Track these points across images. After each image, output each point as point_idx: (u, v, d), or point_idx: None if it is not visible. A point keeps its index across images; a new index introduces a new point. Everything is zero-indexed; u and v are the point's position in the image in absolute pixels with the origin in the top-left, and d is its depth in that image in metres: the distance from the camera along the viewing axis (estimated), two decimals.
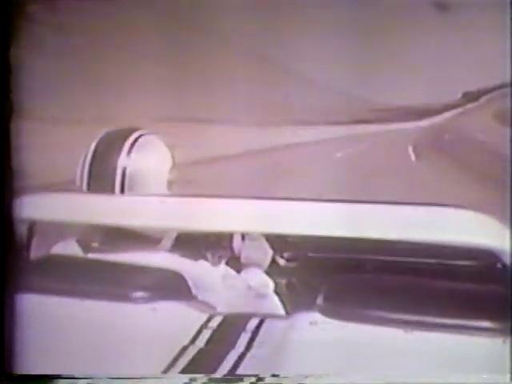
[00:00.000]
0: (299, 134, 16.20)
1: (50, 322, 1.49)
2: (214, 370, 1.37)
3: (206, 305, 1.59)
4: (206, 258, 1.80)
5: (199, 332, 1.45)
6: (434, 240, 1.52)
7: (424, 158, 13.31)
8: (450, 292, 1.55)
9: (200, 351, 1.41)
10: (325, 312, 1.45)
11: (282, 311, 1.74)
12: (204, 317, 1.50)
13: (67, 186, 1.81)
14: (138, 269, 1.65)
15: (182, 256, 1.76)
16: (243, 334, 1.45)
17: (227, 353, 1.40)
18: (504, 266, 1.43)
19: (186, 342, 1.42)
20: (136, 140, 1.77)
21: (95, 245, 1.76)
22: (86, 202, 1.73)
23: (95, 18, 10.17)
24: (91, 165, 1.75)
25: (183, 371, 1.38)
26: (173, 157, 1.83)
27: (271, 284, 1.80)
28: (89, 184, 1.75)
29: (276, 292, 1.79)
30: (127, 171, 1.75)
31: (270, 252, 1.96)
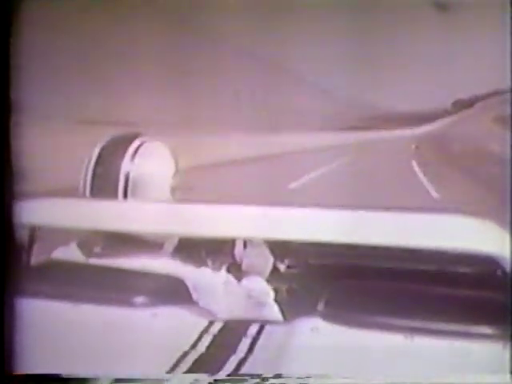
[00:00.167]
0: (301, 139, 16.22)
1: (50, 326, 1.49)
2: (215, 374, 1.37)
3: (206, 310, 1.59)
4: (206, 264, 1.80)
5: (200, 337, 1.46)
6: (435, 246, 1.52)
7: (425, 165, 13.31)
8: (450, 298, 1.55)
9: (201, 356, 1.41)
10: (326, 318, 1.46)
11: (281, 320, 1.74)
12: (205, 322, 1.50)
13: (69, 191, 1.81)
14: (139, 274, 1.65)
15: (184, 262, 1.76)
16: (244, 339, 1.45)
17: (228, 358, 1.40)
18: (504, 272, 1.43)
19: (186, 347, 1.43)
20: (140, 145, 1.77)
21: (97, 250, 1.76)
22: (86, 207, 1.73)
23: (95, 18, 10.19)
24: (94, 169, 1.75)
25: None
26: (176, 163, 1.83)
27: (271, 292, 1.80)
28: (92, 189, 1.75)
29: (276, 300, 1.79)
30: (130, 176, 1.75)
31: (271, 259, 1.96)
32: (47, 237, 1.77)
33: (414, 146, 15.58)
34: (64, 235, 1.77)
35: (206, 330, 1.48)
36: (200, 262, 1.78)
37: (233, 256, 1.87)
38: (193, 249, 1.80)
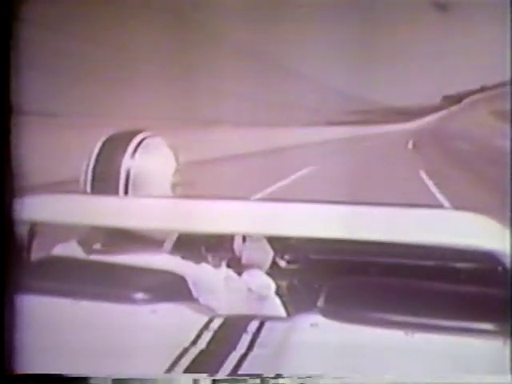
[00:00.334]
0: (301, 134, 16.22)
1: (50, 322, 1.49)
2: (216, 372, 1.37)
3: (206, 307, 1.59)
4: (206, 260, 1.80)
5: (200, 333, 1.45)
6: (435, 242, 1.52)
7: (423, 159, 13.31)
8: (451, 294, 1.55)
9: (201, 352, 1.41)
10: (326, 314, 1.46)
11: (283, 313, 1.74)
12: (205, 318, 1.50)
13: (69, 187, 1.81)
14: (139, 270, 1.65)
15: (183, 258, 1.76)
16: (244, 336, 1.45)
17: (228, 354, 1.40)
18: (504, 268, 1.43)
19: (187, 344, 1.43)
20: (140, 142, 1.77)
21: (97, 246, 1.76)
22: (87, 203, 1.73)
23: (95, 17, 10.18)
24: (95, 166, 1.75)
25: (185, 372, 1.38)
26: (177, 159, 1.83)
27: (272, 285, 1.80)
28: (92, 185, 1.75)
29: (277, 294, 1.79)
30: (131, 173, 1.75)
31: (271, 253, 1.96)
32: (47, 233, 1.77)
33: (411, 143, 15.59)
34: (64, 231, 1.77)
35: (206, 327, 1.48)
36: (200, 258, 1.79)
37: (232, 251, 1.87)
38: (192, 245, 1.81)
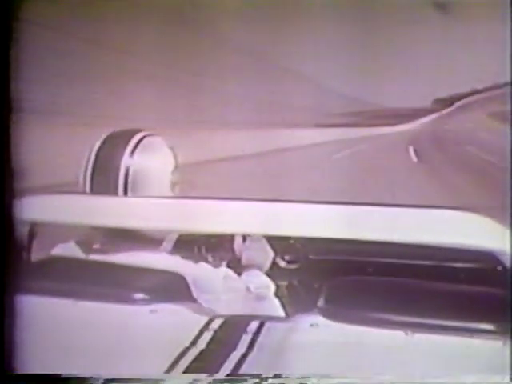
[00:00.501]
0: (298, 136, 16.22)
1: (50, 323, 1.49)
2: (216, 372, 1.37)
3: (206, 307, 1.59)
4: (206, 260, 1.80)
5: (200, 334, 1.45)
6: (435, 242, 1.52)
7: (423, 160, 13.32)
8: (451, 294, 1.55)
9: (201, 352, 1.41)
10: (326, 314, 1.46)
11: (282, 313, 1.74)
12: (205, 319, 1.50)
13: (68, 187, 1.81)
14: (138, 270, 1.65)
15: (183, 258, 1.76)
16: (244, 336, 1.45)
17: (228, 354, 1.40)
18: (504, 268, 1.43)
19: (187, 344, 1.42)
20: (139, 141, 1.77)
21: (96, 246, 1.76)
22: (86, 203, 1.73)
23: (96, 17, 10.18)
24: (94, 165, 1.75)
25: (185, 372, 1.38)
26: (176, 158, 1.83)
27: (272, 286, 1.80)
28: (92, 184, 1.75)
29: (277, 295, 1.79)
30: (130, 172, 1.75)
31: (271, 253, 1.96)
32: (47, 233, 1.77)
33: (412, 149, 15.56)
34: (64, 231, 1.77)
35: (206, 327, 1.48)
36: (200, 258, 1.79)
37: (232, 251, 1.87)
38: (192, 244, 1.81)
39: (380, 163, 12.78)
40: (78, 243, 1.77)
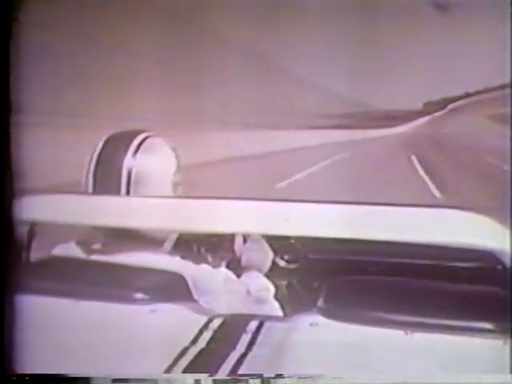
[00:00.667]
0: (299, 137, 16.22)
1: (50, 323, 1.49)
2: (215, 371, 1.37)
3: (206, 308, 1.59)
4: (206, 260, 1.80)
5: (200, 333, 1.45)
6: (434, 241, 1.52)
7: (424, 160, 13.31)
8: (451, 293, 1.56)
9: (201, 352, 1.41)
10: (325, 313, 1.46)
11: (280, 316, 1.74)
12: (204, 318, 1.50)
13: (69, 188, 1.81)
14: (138, 270, 1.65)
15: (183, 258, 1.76)
16: (244, 336, 1.45)
17: (228, 354, 1.40)
18: (504, 267, 1.43)
19: (186, 343, 1.42)
20: (142, 141, 1.78)
21: (97, 246, 1.76)
22: (86, 203, 1.73)
23: (96, 17, 10.18)
24: (96, 166, 1.75)
25: (184, 372, 1.38)
26: (178, 159, 1.83)
27: (271, 288, 1.80)
28: (94, 185, 1.75)
29: (276, 296, 1.79)
30: (133, 172, 1.75)
31: (271, 255, 1.97)
32: (47, 233, 1.77)
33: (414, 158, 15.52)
34: (64, 231, 1.77)
35: (205, 326, 1.48)
36: (199, 258, 1.79)
37: (232, 251, 1.87)
38: (192, 245, 1.81)
39: (380, 168, 12.78)
40: (79, 243, 1.77)
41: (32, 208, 1.66)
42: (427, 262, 2.00)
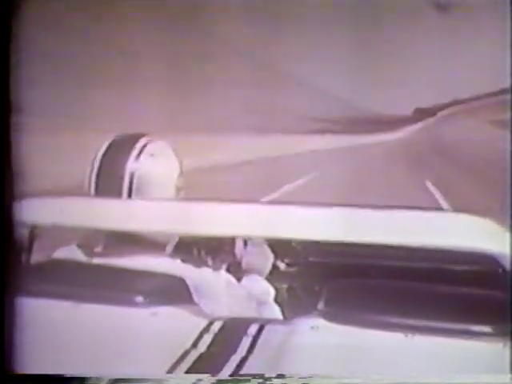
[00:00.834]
0: (297, 142, 16.23)
1: (50, 325, 1.49)
2: (217, 374, 1.37)
3: (207, 311, 1.59)
4: (206, 263, 1.80)
5: (201, 336, 1.45)
6: (434, 245, 1.52)
7: (423, 164, 13.31)
8: (450, 296, 1.56)
9: (202, 355, 1.41)
10: (326, 316, 1.46)
11: (281, 319, 1.74)
12: (205, 321, 1.50)
13: (69, 191, 1.81)
14: (139, 273, 1.65)
15: (184, 261, 1.76)
16: (245, 339, 1.45)
17: (229, 357, 1.40)
18: (504, 270, 1.43)
19: (187, 346, 1.42)
20: (145, 145, 1.78)
21: (98, 249, 1.76)
22: (87, 206, 1.73)
23: (96, 18, 10.19)
24: (99, 168, 1.75)
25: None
26: (180, 163, 1.84)
27: (272, 291, 1.80)
28: (96, 188, 1.75)
29: (276, 300, 1.79)
30: (135, 176, 1.75)
31: (272, 258, 1.97)
32: (48, 236, 1.77)
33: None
34: (65, 234, 1.77)
35: (206, 329, 1.48)
36: (200, 262, 1.79)
37: (233, 255, 1.87)
38: (193, 248, 1.81)
39: (381, 168, 12.77)
40: (79, 246, 1.77)
41: (33, 210, 1.66)
42: (427, 265, 2.00)
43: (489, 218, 1.53)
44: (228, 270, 1.82)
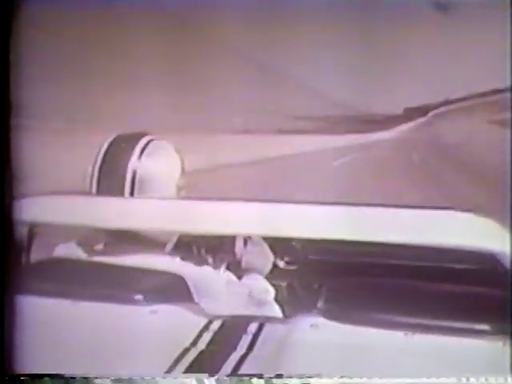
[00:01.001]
0: (298, 142, 16.24)
1: (50, 323, 1.49)
2: (216, 372, 1.37)
3: (207, 310, 1.59)
4: (206, 261, 1.80)
5: (200, 334, 1.46)
6: (435, 243, 1.52)
7: (425, 162, 13.32)
8: (451, 295, 1.56)
9: (201, 353, 1.41)
10: (326, 315, 1.46)
11: (281, 317, 1.74)
12: (205, 320, 1.50)
13: (70, 190, 1.81)
14: (139, 271, 1.65)
15: (184, 259, 1.76)
16: (244, 337, 1.45)
17: (228, 355, 1.40)
18: (504, 268, 1.43)
19: (187, 344, 1.42)
20: (147, 144, 1.78)
21: (98, 247, 1.76)
22: (87, 204, 1.73)
23: (96, 18, 10.20)
24: (101, 167, 1.75)
25: (185, 373, 1.38)
26: (182, 162, 1.84)
27: (271, 290, 1.81)
28: (98, 188, 1.75)
29: (276, 298, 1.79)
30: (137, 174, 1.75)
31: (272, 258, 1.97)
32: (47, 234, 1.77)
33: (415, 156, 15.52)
34: (65, 232, 1.77)
35: (206, 328, 1.48)
36: (200, 260, 1.79)
37: (233, 253, 1.87)
38: (193, 246, 1.81)
39: (382, 168, 12.78)
40: (79, 244, 1.77)
41: (32, 209, 1.66)
42: (427, 263, 2.00)
43: (489, 217, 1.53)
44: (228, 269, 1.82)
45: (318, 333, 1.43)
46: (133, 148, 1.76)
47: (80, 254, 1.75)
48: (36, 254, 1.76)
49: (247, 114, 15.81)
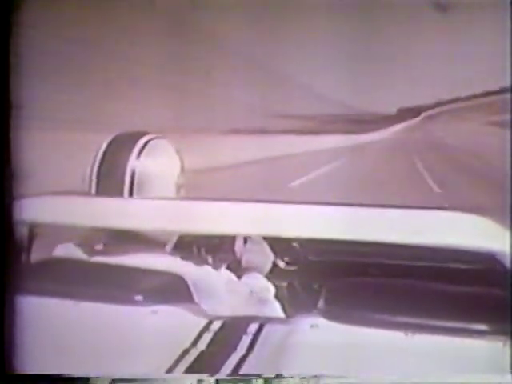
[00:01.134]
0: (297, 142, 16.24)
1: (50, 323, 1.49)
2: (216, 372, 1.37)
3: (207, 309, 1.59)
4: (206, 261, 1.80)
5: (200, 335, 1.46)
6: (435, 243, 1.52)
7: (427, 163, 13.31)
8: (451, 295, 1.56)
9: (201, 354, 1.41)
10: (326, 315, 1.46)
11: (282, 316, 1.74)
12: (205, 320, 1.50)
13: (69, 190, 1.81)
14: (139, 272, 1.65)
15: (183, 259, 1.76)
16: (244, 337, 1.45)
17: (229, 355, 1.40)
18: (504, 268, 1.43)
19: (187, 345, 1.43)
20: (146, 143, 1.77)
21: (98, 247, 1.76)
22: (87, 204, 1.73)
23: (96, 18, 10.19)
24: (100, 166, 1.75)
25: (185, 373, 1.38)
26: (182, 161, 1.83)
27: (272, 288, 1.81)
28: (97, 186, 1.75)
29: (277, 297, 1.79)
30: (136, 173, 1.74)
31: (272, 257, 1.97)
32: (48, 234, 1.77)
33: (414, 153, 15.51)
34: (65, 233, 1.77)
35: (206, 328, 1.48)
36: (200, 260, 1.79)
37: (233, 253, 1.87)
38: (193, 246, 1.81)
39: (382, 168, 12.77)
40: (80, 245, 1.77)
41: (32, 209, 1.66)
42: (427, 263, 2.00)
43: (489, 217, 1.53)
44: (228, 269, 1.82)
45: (318, 333, 1.43)
46: (132, 147, 1.76)
47: (80, 254, 1.75)
48: (36, 254, 1.76)
49: (247, 114, 15.81)
